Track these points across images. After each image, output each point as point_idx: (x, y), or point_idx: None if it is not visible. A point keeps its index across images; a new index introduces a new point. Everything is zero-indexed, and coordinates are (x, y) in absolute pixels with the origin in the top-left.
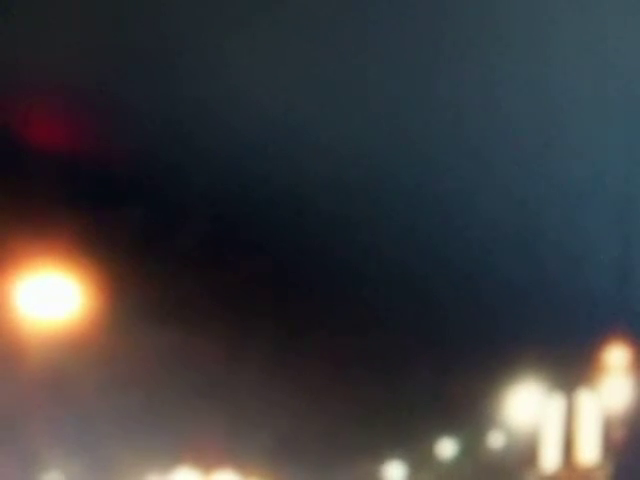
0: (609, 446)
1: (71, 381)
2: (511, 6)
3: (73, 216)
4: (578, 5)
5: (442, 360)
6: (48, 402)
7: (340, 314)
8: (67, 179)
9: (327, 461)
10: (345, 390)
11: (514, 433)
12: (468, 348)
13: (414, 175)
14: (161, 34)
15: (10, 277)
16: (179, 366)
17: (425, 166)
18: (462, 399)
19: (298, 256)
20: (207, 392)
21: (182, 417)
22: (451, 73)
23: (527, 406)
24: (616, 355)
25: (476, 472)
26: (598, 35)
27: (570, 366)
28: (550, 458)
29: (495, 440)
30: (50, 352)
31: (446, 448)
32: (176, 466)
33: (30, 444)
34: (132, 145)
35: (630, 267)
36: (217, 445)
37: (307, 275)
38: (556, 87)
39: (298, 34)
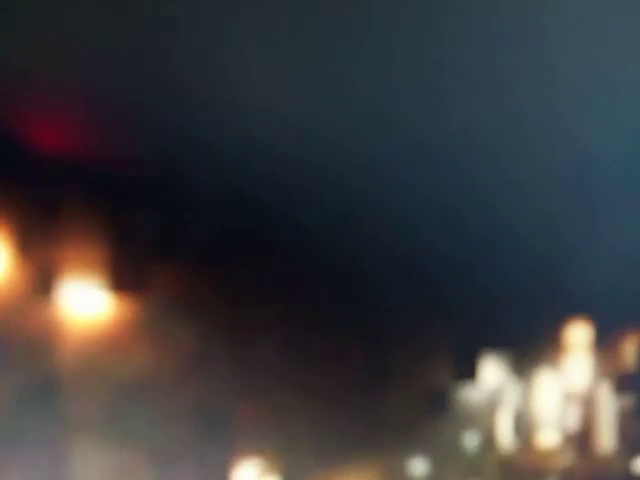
0: (571, 428)
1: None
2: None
3: (91, 220)
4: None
5: (399, 337)
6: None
7: (354, 317)
8: (81, 182)
9: (349, 457)
10: (363, 390)
11: (471, 413)
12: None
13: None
14: (170, 35)
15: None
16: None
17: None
18: (417, 377)
19: (319, 258)
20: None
21: None
22: (457, 74)
23: (485, 385)
24: (577, 335)
25: (432, 454)
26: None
27: (530, 345)
28: (509, 440)
29: (451, 420)
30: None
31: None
32: None
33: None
34: (145, 148)
35: (593, 247)
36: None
37: (324, 274)
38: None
39: (305, 35)
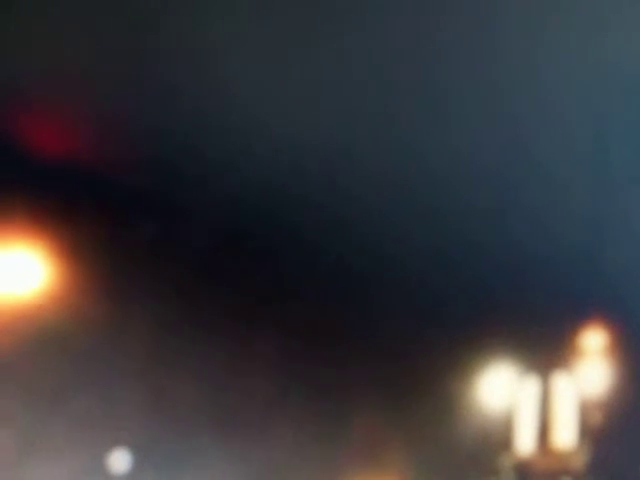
0: (585, 430)
1: None
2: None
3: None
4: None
5: (417, 343)
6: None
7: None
8: (80, 189)
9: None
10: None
11: (487, 416)
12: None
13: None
14: (172, 46)
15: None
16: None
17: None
18: (435, 381)
19: (311, 262)
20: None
21: None
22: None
23: (501, 388)
24: (593, 338)
25: (449, 456)
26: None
27: (546, 348)
28: (525, 442)
29: (468, 423)
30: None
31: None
32: None
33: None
34: (144, 155)
35: (608, 250)
36: None
37: (322, 278)
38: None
39: (304, 44)
